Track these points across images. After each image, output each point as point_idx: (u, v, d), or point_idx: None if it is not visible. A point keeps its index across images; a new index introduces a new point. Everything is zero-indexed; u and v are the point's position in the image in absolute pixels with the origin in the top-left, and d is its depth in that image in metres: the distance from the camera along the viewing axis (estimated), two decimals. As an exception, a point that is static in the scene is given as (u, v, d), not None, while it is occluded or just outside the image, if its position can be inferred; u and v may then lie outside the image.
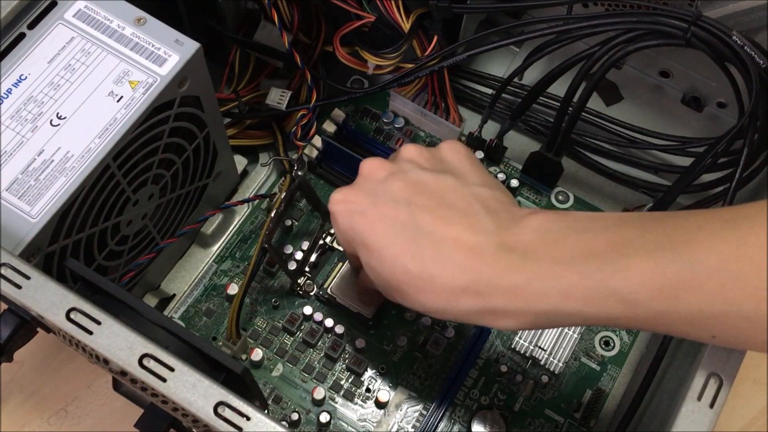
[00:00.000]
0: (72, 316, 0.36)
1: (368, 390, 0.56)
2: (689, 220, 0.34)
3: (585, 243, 0.36)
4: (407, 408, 0.56)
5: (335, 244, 0.59)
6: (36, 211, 0.41)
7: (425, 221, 0.40)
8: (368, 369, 0.56)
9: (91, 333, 0.36)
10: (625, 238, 0.35)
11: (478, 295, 0.38)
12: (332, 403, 0.55)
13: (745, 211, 0.33)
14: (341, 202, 0.44)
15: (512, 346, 0.56)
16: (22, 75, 0.44)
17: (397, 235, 0.40)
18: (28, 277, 0.37)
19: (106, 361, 0.37)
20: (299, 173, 0.55)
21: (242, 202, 0.60)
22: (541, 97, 0.58)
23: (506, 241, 0.38)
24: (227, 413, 0.35)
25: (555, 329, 0.57)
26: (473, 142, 0.63)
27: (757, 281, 0.31)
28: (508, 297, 0.37)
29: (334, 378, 0.56)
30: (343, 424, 0.55)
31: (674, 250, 0.33)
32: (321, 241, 0.59)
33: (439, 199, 0.41)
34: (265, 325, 0.57)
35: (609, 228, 0.37)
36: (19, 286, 0.36)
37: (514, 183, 0.61)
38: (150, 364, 0.35)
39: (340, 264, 0.58)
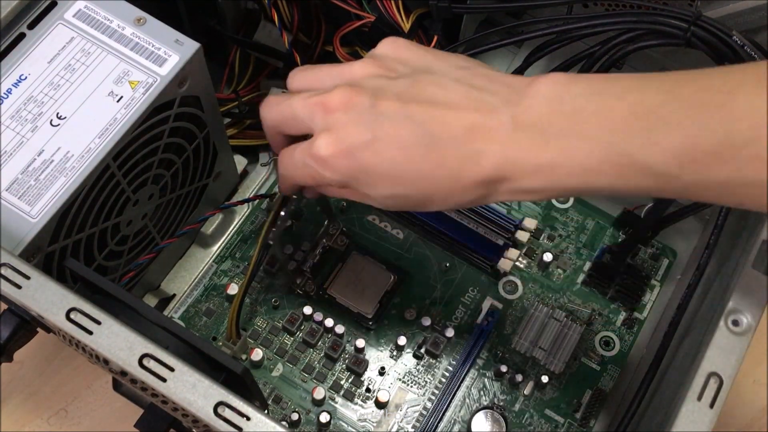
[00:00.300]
0: (72, 316, 0.36)
1: (368, 390, 0.56)
2: (722, 79, 0.32)
3: (607, 114, 0.34)
4: (407, 408, 0.56)
5: (335, 244, 0.59)
6: (36, 211, 0.41)
7: (432, 126, 0.38)
8: (368, 369, 0.56)
9: (91, 333, 0.36)
10: (646, 104, 0.34)
11: (506, 180, 0.37)
12: (332, 403, 0.55)
13: None
14: (332, 144, 0.40)
15: (512, 346, 0.56)
16: (22, 75, 0.44)
17: (411, 151, 0.38)
18: (28, 277, 0.37)
19: (106, 361, 0.37)
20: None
21: (242, 202, 0.60)
22: (541, 97, 0.58)
23: (520, 117, 0.36)
24: (227, 413, 0.35)
25: (555, 330, 0.57)
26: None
27: None
28: (535, 177, 0.36)
29: (334, 378, 0.56)
30: (343, 424, 0.55)
31: (706, 118, 0.32)
32: (324, 242, 0.59)
33: (430, 100, 0.39)
34: (265, 325, 0.57)
35: (630, 91, 0.35)
36: (19, 286, 0.36)
37: (514, 183, 0.61)
38: (150, 364, 0.35)
39: (340, 264, 0.58)
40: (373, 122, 0.39)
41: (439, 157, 0.38)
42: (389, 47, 0.42)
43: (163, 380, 0.35)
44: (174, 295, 0.58)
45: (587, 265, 0.60)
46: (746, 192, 0.32)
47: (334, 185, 0.42)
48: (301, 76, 0.44)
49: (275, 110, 0.43)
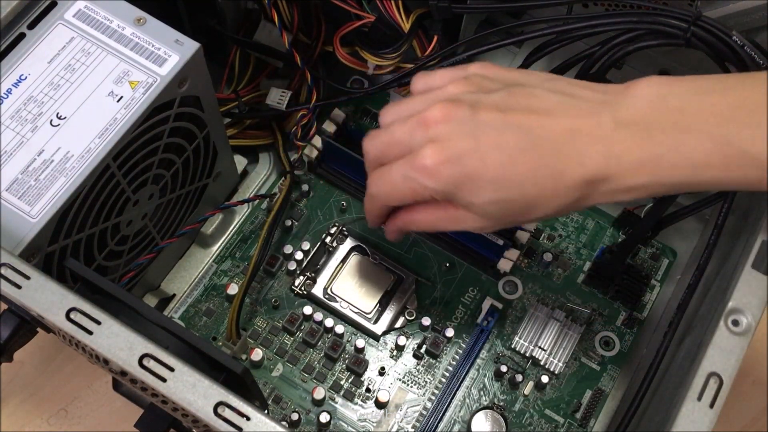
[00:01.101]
0: (72, 316, 0.36)
1: (368, 390, 0.56)
2: None
3: (712, 107, 0.35)
4: (407, 408, 0.56)
5: (335, 244, 0.59)
6: (36, 211, 0.41)
7: (534, 128, 0.38)
8: (368, 369, 0.56)
9: (91, 333, 0.36)
10: (752, 99, 0.34)
11: (609, 178, 0.37)
12: (332, 403, 0.55)
13: None
14: (437, 152, 0.39)
15: (512, 346, 0.56)
16: (22, 75, 0.44)
17: (514, 155, 0.38)
18: (28, 277, 0.37)
19: (106, 361, 0.37)
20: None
21: (242, 202, 0.60)
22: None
23: (622, 116, 0.37)
24: (227, 413, 0.35)
25: (555, 330, 0.57)
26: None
27: None
28: (639, 173, 0.36)
29: (334, 378, 0.56)
30: (343, 424, 0.55)
31: None
32: (324, 242, 0.59)
33: (528, 108, 0.39)
34: (265, 325, 0.57)
35: (732, 88, 0.35)
36: (19, 286, 0.36)
37: (514, 183, 0.61)
38: (150, 364, 0.35)
39: (340, 264, 0.58)
40: (475, 130, 0.39)
41: (543, 159, 0.38)
42: (477, 67, 0.43)
43: (163, 380, 0.35)
44: (174, 295, 0.58)
45: (587, 265, 0.60)
46: None
47: (437, 197, 0.41)
48: (393, 107, 0.44)
49: (377, 140, 0.43)
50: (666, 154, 0.35)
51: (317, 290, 0.58)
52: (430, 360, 0.57)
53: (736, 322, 0.41)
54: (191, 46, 0.45)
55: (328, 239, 0.59)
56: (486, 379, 0.56)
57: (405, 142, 0.41)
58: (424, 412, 0.55)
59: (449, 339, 0.57)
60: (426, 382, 0.56)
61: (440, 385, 0.56)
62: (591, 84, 0.40)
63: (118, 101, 0.44)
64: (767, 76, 0.35)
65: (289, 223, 0.60)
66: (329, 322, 0.56)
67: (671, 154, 0.35)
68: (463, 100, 0.40)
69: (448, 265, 0.60)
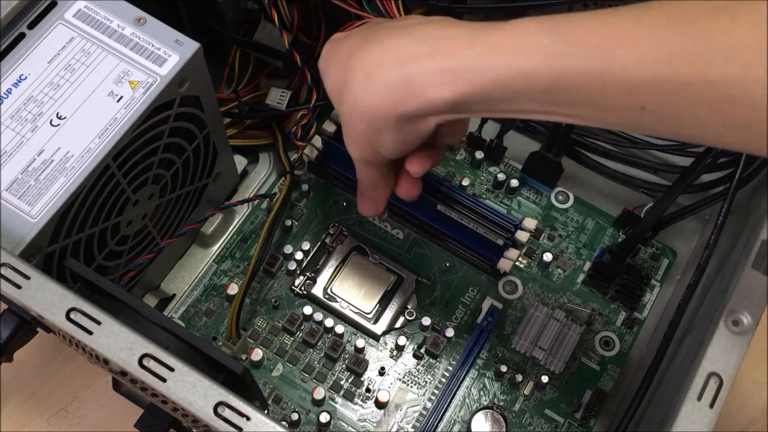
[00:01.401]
0: (72, 316, 0.36)
1: (368, 390, 0.56)
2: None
3: (542, 24, 0.34)
4: (407, 408, 0.56)
5: (335, 244, 0.59)
6: (36, 211, 0.41)
7: (382, 26, 0.39)
8: (368, 369, 0.56)
9: (91, 333, 0.36)
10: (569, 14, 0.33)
11: (405, 50, 0.36)
12: (332, 403, 0.55)
13: None
14: (324, 48, 0.42)
15: (512, 346, 0.56)
16: (22, 75, 0.44)
17: (350, 50, 0.39)
18: (28, 277, 0.36)
19: (106, 361, 0.37)
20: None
21: (242, 202, 0.60)
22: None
23: (450, 20, 0.37)
24: (227, 413, 0.35)
25: (555, 330, 0.56)
26: (473, 142, 0.63)
27: (699, 43, 0.29)
28: (437, 46, 0.35)
29: (334, 378, 0.56)
30: (343, 424, 0.55)
31: (620, 11, 0.32)
32: (324, 242, 0.59)
33: (408, 21, 0.39)
34: (265, 325, 0.57)
35: (601, 17, 0.33)
36: (19, 286, 0.36)
37: (514, 183, 0.61)
38: (150, 364, 0.35)
39: (340, 264, 0.58)
40: (361, 32, 0.40)
41: (364, 48, 0.38)
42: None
43: (163, 380, 0.35)
44: (174, 295, 0.58)
45: (587, 265, 0.60)
46: (643, 93, 0.31)
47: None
48: None
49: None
50: (477, 40, 0.35)
51: (317, 290, 0.58)
52: (430, 360, 0.57)
53: (736, 322, 0.41)
54: (191, 46, 0.45)
55: (328, 239, 0.59)
56: (486, 379, 0.56)
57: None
58: (424, 412, 0.55)
59: (449, 339, 0.57)
60: (426, 382, 0.56)
61: (440, 385, 0.56)
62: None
63: (118, 101, 0.44)
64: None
65: (289, 223, 0.60)
66: (329, 322, 0.56)
67: (480, 43, 0.34)
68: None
69: (448, 265, 0.60)
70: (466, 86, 0.34)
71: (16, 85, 0.44)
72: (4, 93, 0.43)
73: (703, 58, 0.29)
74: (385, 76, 0.36)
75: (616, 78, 0.31)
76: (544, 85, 0.33)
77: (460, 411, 0.56)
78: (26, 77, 0.44)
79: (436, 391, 0.56)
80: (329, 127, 0.60)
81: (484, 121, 0.61)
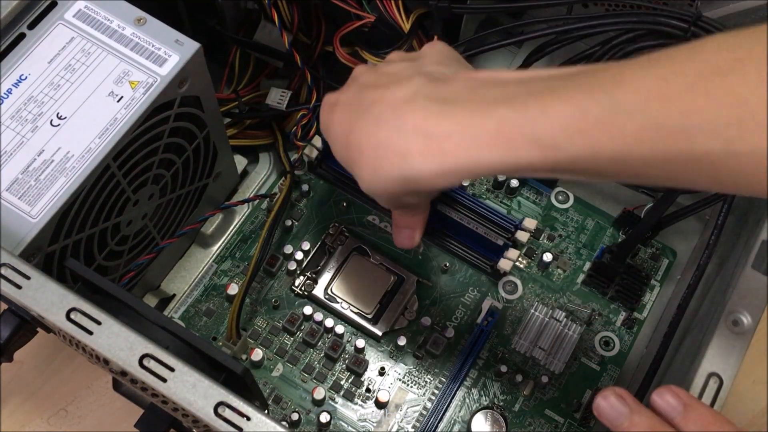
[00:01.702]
0: (72, 316, 0.36)
1: (368, 390, 0.56)
2: (615, 65, 0.33)
3: (506, 90, 0.36)
4: (407, 408, 0.56)
5: (335, 244, 0.59)
6: (36, 211, 0.41)
7: (367, 97, 0.40)
8: (368, 369, 0.56)
9: (91, 333, 0.36)
10: (547, 85, 0.35)
11: (396, 156, 0.37)
12: (332, 403, 0.55)
13: (669, 51, 0.32)
14: (323, 105, 0.44)
15: (512, 346, 0.56)
16: (22, 75, 0.44)
17: (347, 117, 0.41)
18: (28, 277, 0.37)
19: (106, 361, 0.37)
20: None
21: (242, 202, 0.60)
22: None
23: (431, 95, 0.38)
24: (227, 413, 0.35)
25: (555, 330, 0.57)
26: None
27: (678, 120, 0.30)
28: (425, 152, 0.37)
29: (334, 378, 0.56)
30: (343, 424, 0.55)
31: (595, 92, 0.32)
32: (324, 242, 0.59)
33: (388, 78, 0.41)
34: (265, 325, 0.57)
35: (534, 79, 0.36)
36: (19, 286, 0.36)
37: (514, 183, 0.61)
38: (150, 364, 0.35)
39: (340, 264, 0.58)
40: (348, 90, 0.42)
41: (355, 124, 0.40)
42: (428, 44, 0.44)
43: (164, 380, 0.35)
44: (174, 295, 0.58)
45: (587, 265, 0.60)
46: (640, 167, 0.33)
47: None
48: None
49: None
50: (453, 131, 0.36)
51: (317, 290, 0.58)
52: (430, 360, 0.57)
53: (736, 322, 0.41)
54: (191, 46, 0.45)
55: (328, 239, 0.59)
56: (486, 379, 0.56)
57: None
58: (424, 412, 0.55)
59: (449, 339, 0.57)
60: (426, 382, 0.56)
61: (440, 385, 0.56)
62: (447, 70, 0.40)
63: (118, 101, 0.44)
64: (583, 68, 0.35)
65: (289, 223, 0.60)
66: (329, 323, 0.56)
67: (458, 133, 0.36)
68: (372, 66, 0.43)
69: (448, 265, 0.60)
70: (466, 176, 0.37)
71: (16, 85, 0.44)
72: (5, 93, 0.43)
73: (684, 135, 0.30)
74: (388, 173, 0.38)
75: (604, 159, 0.33)
76: (542, 169, 0.35)
77: (460, 411, 0.56)
78: (26, 77, 0.44)
79: (436, 391, 0.56)
80: (329, 127, 0.60)
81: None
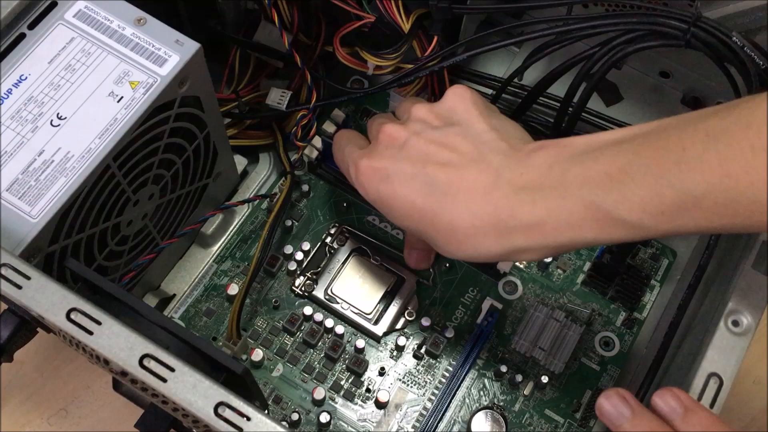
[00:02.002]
0: (72, 316, 0.36)
1: (368, 390, 0.56)
2: (676, 139, 0.35)
3: (584, 169, 0.38)
4: (407, 408, 0.56)
5: (335, 245, 0.59)
6: (36, 211, 0.41)
7: (440, 177, 0.42)
8: (368, 369, 0.56)
9: (91, 333, 0.36)
10: (619, 166, 0.37)
11: (498, 236, 0.40)
12: (332, 404, 0.55)
13: (725, 124, 0.34)
14: (365, 171, 0.45)
15: (512, 346, 0.56)
16: (22, 75, 0.44)
17: (418, 195, 0.43)
18: (28, 278, 0.37)
19: (106, 362, 0.37)
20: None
21: (242, 202, 0.60)
22: (541, 98, 0.58)
23: (516, 181, 0.40)
24: (227, 413, 0.35)
25: (555, 330, 0.57)
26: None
27: (748, 196, 0.33)
28: (526, 235, 0.40)
29: (334, 378, 0.56)
30: (343, 424, 0.55)
31: (665, 175, 0.35)
32: (324, 242, 0.59)
33: (449, 152, 0.43)
34: (265, 325, 0.57)
35: (605, 156, 0.38)
36: (19, 287, 0.36)
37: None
38: (150, 364, 0.35)
39: (340, 264, 0.58)
40: (398, 161, 0.44)
41: (438, 205, 0.42)
42: (450, 94, 0.47)
43: (164, 380, 0.35)
44: (174, 295, 0.58)
45: (587, 265, 0.60)
46: (724, 230, 0.36)
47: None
48: (380, 117, 0.51)
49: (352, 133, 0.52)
50: (548, 218, 0.39)
51: (318, 291, 0.58)
52: (430, 360, 0.57)
53: (736, 322, 0.41)
54: (191, 46, 0.45)
55: (328, 240, 0.59)
56: (486, 379, 0.56)
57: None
58: (424, 412, 0.55)
59: (449, 339, 0.57)
60: (426, 382, 0.56)
61: (440, 385, 0.56)
62: (516, 144, 0.42)
63: (118, 101, 0.44)
64: (642, 134, 0.37)
65: (289, 223, 0.60)
66: (329, 323, 0.56)
67: (552, 219, 0.39)
68: (408, 129, 0.45)
69: (448, 265, 0.60)
70: (566, 251, 0.44)
71: (16, 85, 0.44)
72: (5, 93, 0.43)
73: (759, 208, 0.33)
74: (489, 250, 0.41)
75: (692, 230, 0.36)
76: (638, 240, 0.40)
77: (460, 411, 0.56)
78: (26, 77, 0.44)
79: (436, 391, 0.56)
80: (329, 127, 0.60)
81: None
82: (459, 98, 0.46)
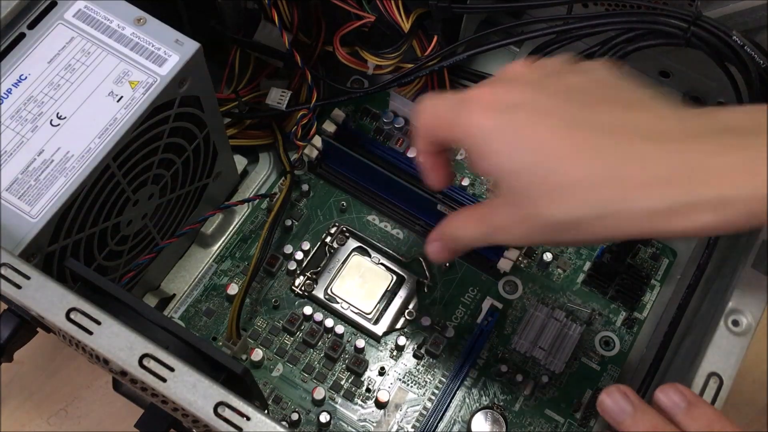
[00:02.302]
0: (72, 316, 0.36)
1: (368, 390, 0.56)
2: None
3: (719, 125, 0.32)
4: (407, 408, 0.56)
5: (335, 244, 0.59)
6: (36, 211, 0.41)
7: (603, 113, 0.34)
8: (368, 369, 0.56)
9: (91, 333, 0.36)
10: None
11: (671, 184, 0.32)
12: (332, 403, 0.55)
13: None
14: (483, 97, 0.36)
15: (512, 346, 0.56)
16: (22, 75, 0.44)
17: (572, 131, 0.34)
18: (28, 277, 0.37)
19: (106, 361, 0.37)
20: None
21: (242, 202, 0.60)
22: (541, 97, 0.58)
23: (698, 127, 0.33)
24: (227, 413, 0.35)
25: (555, 330, 0.56)
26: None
27: None
28: (720, 181, 0.31)
29: (334, 378, 0.56)
30: (343, 424, 0.55)
31: None
32: (324, 242, 0.59)
33: (604, 89, 0.36)
34: (265, 325, 0.57)
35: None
36: (19, 286, 0.36)
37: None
38: (150, 364, 0.35)
39: (340, 264, 0.58)
40: (547, 87, 0.36)
41: (598, 146, 0.34)
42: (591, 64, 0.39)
43: (163, 380, 0.35)
44: (174, 295, 0.58)
45: (587, 265, 0.60)
46: None
47: (464, 144, 0.37)
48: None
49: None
50: (756, 158, 0.32)
51: (317, 291, 0.58)
52: (430, 360, 0.57)
53: (736, 322, 0.41)
54: (191, 46, 0.45)
55: (328, 239, 0.59)
56: (486, 379, 0.56)
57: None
58: (424, 412, 0.55)
59: (449, 339, 0.57)
60: (426, 382, 0.56)
61: (440, 385, 0.56)
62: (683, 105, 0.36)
63: (118, 101, 0.44)
64: None
65: (289, 223, 0.60)
66: (329, 323, 0.56)
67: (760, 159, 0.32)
68: (540, 69, 0.37)
69: (448, 265, 0.59)
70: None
71: (16, 85, 0.44)
72: (4, 93, 0.43)
73: None
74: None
75: None
76: None
77: (460, 411, 0.56)
78: (26, 77, 0.44)
79: (436, 391, 0.56)
80: (329, 127, 0.60)
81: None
82: (591, 65, 0.38)
